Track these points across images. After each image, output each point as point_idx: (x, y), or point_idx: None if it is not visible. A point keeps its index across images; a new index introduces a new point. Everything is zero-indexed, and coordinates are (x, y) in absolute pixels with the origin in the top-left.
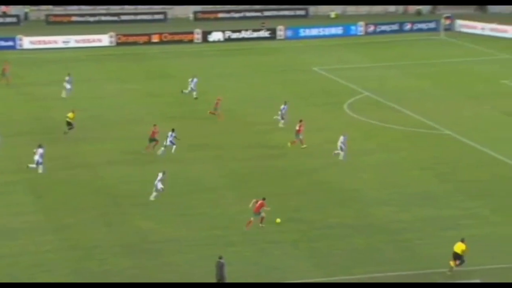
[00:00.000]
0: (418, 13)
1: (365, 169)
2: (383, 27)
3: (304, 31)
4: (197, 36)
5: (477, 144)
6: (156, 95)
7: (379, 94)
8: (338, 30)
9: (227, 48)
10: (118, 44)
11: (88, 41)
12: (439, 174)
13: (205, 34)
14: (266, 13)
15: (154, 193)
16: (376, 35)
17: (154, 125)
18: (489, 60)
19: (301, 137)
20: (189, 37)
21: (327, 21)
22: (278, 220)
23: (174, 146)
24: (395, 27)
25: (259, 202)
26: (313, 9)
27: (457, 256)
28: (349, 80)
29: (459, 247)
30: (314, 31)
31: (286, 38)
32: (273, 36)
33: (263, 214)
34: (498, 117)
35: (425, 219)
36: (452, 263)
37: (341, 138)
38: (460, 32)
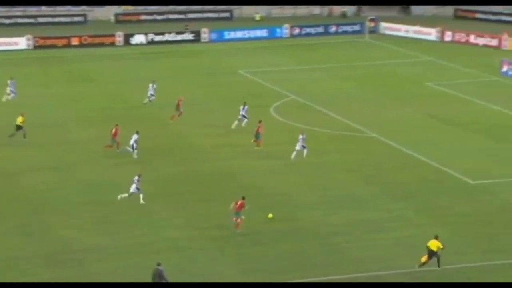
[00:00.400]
0: (343, 15)
1: (292, 173)
2: (309, 30)
3: (228, 34)
4: (119, 39)
5: (401, 146)
6: (78, 99)
7: (305, 97)
8: (263, 33)
9: (150, 51)
10: (36, 47)
11: (4, 44)
12: (366, 177)
13: (127, 37)
14: (190, 16)
15: (125, 195)
16: (302, 37)
17: (116, 125)
18: (413, 62)
19: (260, 138)
20: (110, 39)
21: (252, 24)
22: (271, 215)
23: (136, 151)
24: (320, 29)
25: (239, 202)
26: (237, 11)
27: (432, 253)
28: (275, 83)
29: (434, 244)
30: (239, 34)
31: (211, 40)
32: (197, 38)
33: (243, 216)
34: (422, 119)
35: (352, 222)
36: (423, 258)
37: (300, 137)
38: (384, 35)
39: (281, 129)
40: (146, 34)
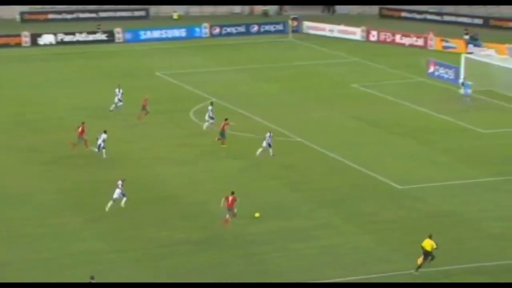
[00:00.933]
0: (265, 14)
1: (213, 180)
2: (229, 29)
3: (144, 34)
4: (25, 39)
5: (327, 150)
6: None
7: (227, 99)
8: (182, 32)
9: (60, 52)
10: None
11: None
12: (291, 183)
13: (34, 37)
14: (102, 14)
15: (110, 203)
16: (222, 37)
17: (83, 123)
18: (338, 63)
19: (225, 137)
20: (16, 40)
21: (169, 23)
22: (257, 214)
23: (104, 150)
24: (241, 29)
25: (230, 198)
26: (154, 9)
27: (426, 253)
28: (194, 86)
29: (427, 244)
30: (155, 34)
31: (125, 41)
32: (111, 39)
33: (235, 210)
34: (348, 122)
35: (276, 230)
36: (419, 260)
37: (267, 135)
38: (308, 34)
39: (201, 134)
40: (55, 34)
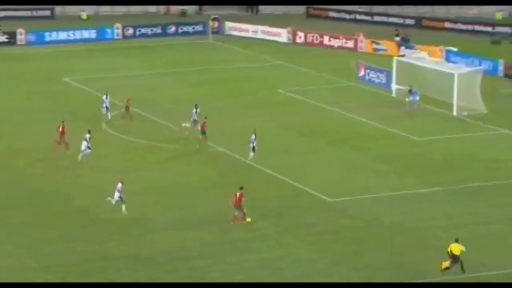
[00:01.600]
0: (183, 13)
1: (145, 191)
2: (144, 30)
3: (50, 35)
4: None
5: (255, 162)
6: None
7: (142, 106)
8: (91, 34)
9: None
10: None
11: None
12: (226, 194)
13: None
14: (2, 14)
15: (112, 200)
16: (136, 38)
17: (62, 121)
18: (263, 67)
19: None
20: None
21: (77, 23)
22: (249, 219)
23: (89, 151)
24: (157, 29)
25: (238, 194)
26: (60, 9)
27: (454, 257)
28: (106, 91)
29: (456, 248)
30: (62, 35)
31: (28, 43)
32: (12, 41)
33: (244, 209)
34: (276, 130)
35: (214, 243)
36: (445, 264)
37: (253, 137)
38: (230, 36)
39: (115, 144)
40: None
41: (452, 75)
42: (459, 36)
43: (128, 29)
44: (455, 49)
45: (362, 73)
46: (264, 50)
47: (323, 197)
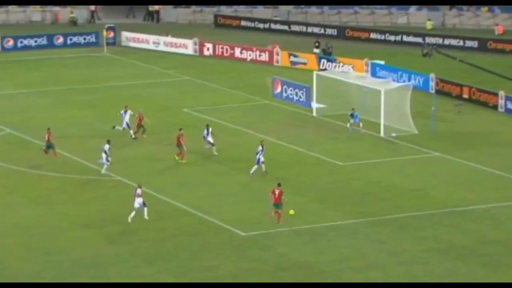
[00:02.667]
0: (73, 22)
1: (9, 233)
2: (27, 41)
3: None
4: None
5: (155, 192)
6: None
7: (25, 130)
8: None
9: None
10: None
11: None
12: (110, 234)
13: None
14: None
15: (133, 213)
16: (18, 51)
17: (48, 129)
18: (166, 83)
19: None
20: None
21: None
22: (292, 211)
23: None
24: (43, 41)
25: (277, 191)
26: None
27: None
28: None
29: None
30: None
31: None
32: None
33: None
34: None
35: None
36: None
37: (260, 148)
38: (127, 47)
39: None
40: None
41: (379, 91)
42: (387, 48)
43: (8, 40)
44: (381, 62)
45: (278, 89)
46: (167, 64)
47: (232, 230)
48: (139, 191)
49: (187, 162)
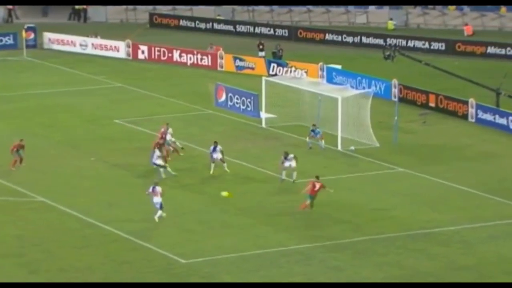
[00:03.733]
0: None
1: None
2: None
3: None
4: None
5: (82, 214)
6: None
7: None
8: None
9: None
10: None
11: None
12: (28, 263)
13: None
14: None
15: (159, 213)
16: None
17: (21, 140)
18: (95, 91)
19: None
20: None
21: None
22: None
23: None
24: None
25: (318, 185)
26: None
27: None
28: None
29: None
30: None
31: None
32: None
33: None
34: (109, 172)
35: None
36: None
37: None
38: (50, 50)
39: None
40: None
41: (335, 100)
42: (344, 51)
43: None
44: (338, 67)
45: (223, 98)
46: (96, 69)
47: (171, 257)
48: (158, 188)
49: (116, 179)
